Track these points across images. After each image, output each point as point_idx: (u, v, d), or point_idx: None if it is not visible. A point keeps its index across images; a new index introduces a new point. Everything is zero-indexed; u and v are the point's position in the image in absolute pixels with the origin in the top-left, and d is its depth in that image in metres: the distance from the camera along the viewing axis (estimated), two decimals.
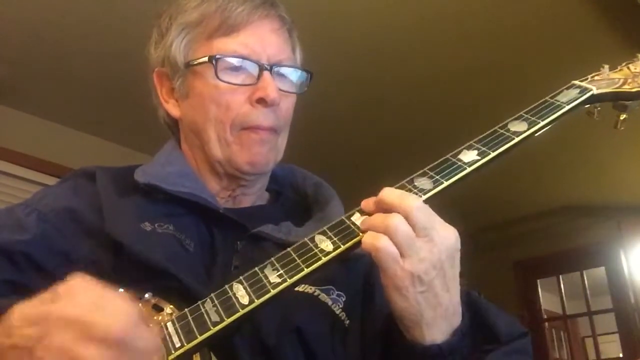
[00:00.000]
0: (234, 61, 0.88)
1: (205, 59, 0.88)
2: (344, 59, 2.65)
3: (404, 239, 0.68)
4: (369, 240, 0.69)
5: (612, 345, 4.68)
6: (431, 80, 2.85)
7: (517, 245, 4.50)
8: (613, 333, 4.48)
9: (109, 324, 0.55)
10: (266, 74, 0.88)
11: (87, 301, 0.58)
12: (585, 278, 4.60)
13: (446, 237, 0.70)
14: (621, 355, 4.52)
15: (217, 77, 0.87)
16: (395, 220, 0.68)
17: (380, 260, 0.68)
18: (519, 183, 3.93)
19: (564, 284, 4.68)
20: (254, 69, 0.88)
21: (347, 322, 0.84)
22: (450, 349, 0.70)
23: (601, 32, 2.49)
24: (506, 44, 2.58)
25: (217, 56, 0.87)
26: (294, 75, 0.94)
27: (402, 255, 0.68)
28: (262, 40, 0.90)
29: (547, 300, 4.84)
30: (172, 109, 0.95)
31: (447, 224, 0.72)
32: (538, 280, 4.68)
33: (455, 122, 2.41)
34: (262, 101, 0.88)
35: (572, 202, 4.28)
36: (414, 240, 0.68)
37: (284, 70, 0.92)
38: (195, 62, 0.89)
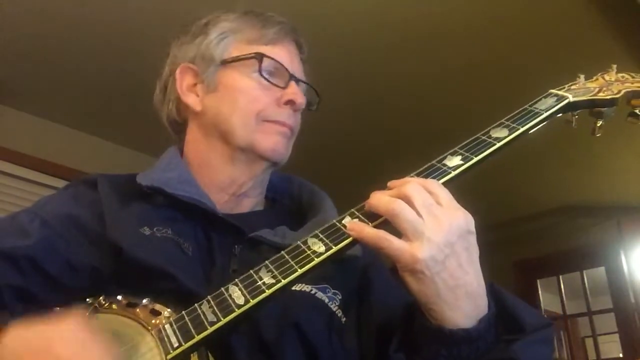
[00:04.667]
0: (274, 63, 0.98)
1: (252, 54, 0.97)
2: (340, 58, 2.66)
3: (408, 224, 0.70)
4: (373, 236, 0.71)
5: (612, 345, 4.68)
6: (429, 80, 2.85)
7: (517, 245, 4.50)
8: (613, 333, 4.48)
9: None
10: (294, 83, 0.99)
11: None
12: (585, 278, 4.60)
13: (454, 217, 0.71)
14: (621, 355, 4.52)
15: (260, 72, 0.96)
16: (397, 205, 0.71)
17: (387, 252, 0.70)
18: (519, 183, 3.94)
19: (564, 284, 4.69)
20: (285, 77, 0.98)
21: (344, 319, 0.86)
22: (477, 335, 0.71)
23: (600, 31, 2.49)
24: (505, 43, 2.59)
25: (263, 53, 0.97)
26: (307, 94, 1.03)
27: (409, 240, 0.69)
28: (292, 58, 1.01)
29: (547, 300, 4.85)
30: (193, 102, 1.00)
31: (458, 207, 0.73)
32: (538, 280, 4.68)
33: (453, 122, 2.42)
34: (290, 102, 0.97)
35: (572, 202, 4.29)
36: (418, 223, 0.69)
37: (303, 86, 1.03)
38: (239, 58, 0.98)
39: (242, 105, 0.96)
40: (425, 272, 0.69)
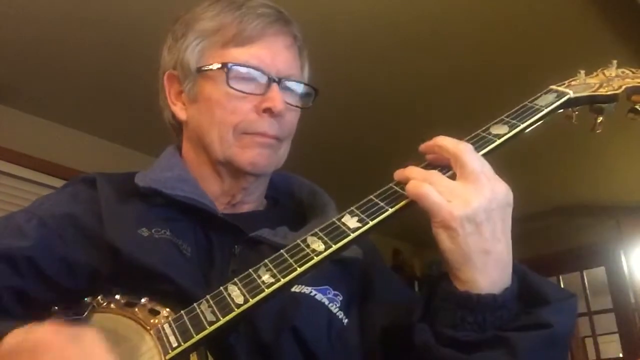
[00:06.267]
0: (245, 70, 0.91)
1: (218, 65, 0.91)
2: (341, 58, 2.65)
3: (446, 187, 0.72)
4: (412, 189, 0.73)
5: (612, 345, 4.68)
6: (431, 80, 2.85)
7: (517, 245, 4.43)
8: (613, 333, 4.48)
9: None
10: (274, 86, 0.91)
11: None
12: (585, 278, 4.60)
13: (497, 187, 0.73)
14: (621, 355, 4.52)
15: (228, 84, 0.90)
16: (434, 173, 0.74)
17: (425, 206, 0.72)
18: (519, 183, 3.90)
19: (564, 284, 4.68)
20: (263, 80, 0.91)
21: (346, 320, 0.85)
22: (502, 302, 0.71)
23: (599, 31, 2.49)
24: (505, 43, 2.59)
25: (230, 64, 0.90)
26: (300, 90, 0.97)
27: (448, 200, 0.71)
28: (274, 54, 0.93)
29: None
30: (179, 111, 0.97)
31: (499, 179, 0.75)
32: None
33: (455, 121, 2.41)
34: (268, 111, 0.91)
35: (572, 202, 4.28)
36: (457, 185, 0.72)
37: (291, 84, 0.95)
38: (208, 68, 0.92)
39: (218, 118, 0.91)
40: (459, 231, 0.70)
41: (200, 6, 0.98)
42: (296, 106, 0.97)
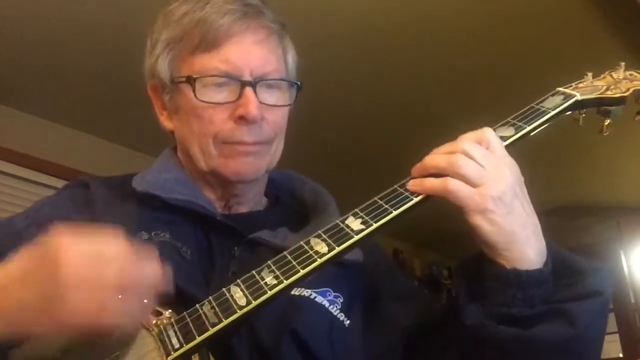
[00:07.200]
0: (214, 80, 0.86)
1: (183, 78, 0.88)
2: (337, 59, 2.65)
3: (473, 172, 0.74)
4: (440, 187, 0.74)
5: (612, 345, 4.68)
6: (432, 81, 2.85)
7: None
8: (613, 333, 4.48)
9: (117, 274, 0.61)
10: (248, 90, 0.86)
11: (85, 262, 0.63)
12: None
13: (510, 164, 0.77)
14: (621, 355, 4.52)
15: (196, 97, 0.86)
16: (458, 158, 0.74)
17: (455, 199, 0.73)
18: None
19: None
20: (236, 85, 0.86)
21: (347, 322, 0.85)
22: (547, 275, 0.74)
23: (601, 33, 2.49)
24: (504, 45, 2.59)
25: (195, 76, 0.86)
26: (281, 86, 0.92)
27: (476, 185, 0.73)
28: (244, 53, 0.87)
29: None
30: (166, 121, 0.96)
31: (508, 154, 0.78)
32: None
33: (456, 123, 2.41)
34: (243, 119, 0.86)
35: (572, 202, 4.28)
36: (481, 170, 0.74)
37: (269, 82, 0.89)
38: (178, 80, 0.89)
39: (197, 130, 0.88)
40: (497, 211, 0.72)
41: (171, 5, 0.93)
42: (277, 105, 0.90)
